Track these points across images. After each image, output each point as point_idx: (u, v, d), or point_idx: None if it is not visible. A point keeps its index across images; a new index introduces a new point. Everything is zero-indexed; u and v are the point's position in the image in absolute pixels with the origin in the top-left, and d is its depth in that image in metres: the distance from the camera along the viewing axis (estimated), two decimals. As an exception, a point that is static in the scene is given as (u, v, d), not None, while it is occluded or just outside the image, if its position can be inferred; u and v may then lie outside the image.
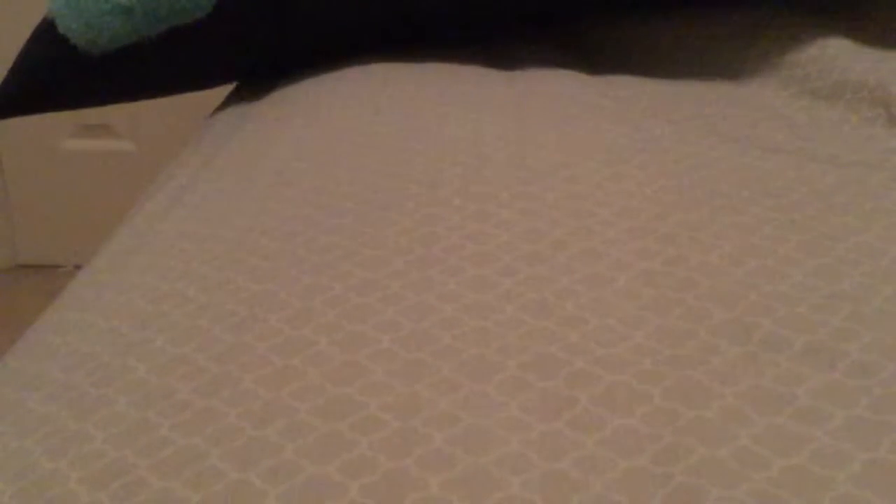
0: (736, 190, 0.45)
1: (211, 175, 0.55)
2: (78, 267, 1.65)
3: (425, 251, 0.41)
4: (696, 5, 0.68)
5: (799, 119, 0.53)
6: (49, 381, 0.37)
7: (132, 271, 0.45)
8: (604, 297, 0.37)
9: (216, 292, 0.40)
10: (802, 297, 0.36)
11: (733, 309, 0.36)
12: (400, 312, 0.37)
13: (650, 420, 0.30)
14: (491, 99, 0.59)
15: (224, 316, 0.38)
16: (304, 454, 0.30)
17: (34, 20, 0.73)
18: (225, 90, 0.78)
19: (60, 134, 1.67)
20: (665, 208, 0.43)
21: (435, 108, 0.58)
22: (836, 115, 0.53)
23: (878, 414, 0.30)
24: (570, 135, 0.52)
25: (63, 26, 0.67)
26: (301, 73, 0.69)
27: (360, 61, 0.67)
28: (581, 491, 0.28)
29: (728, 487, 0.27)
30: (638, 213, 0.43)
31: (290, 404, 0.32)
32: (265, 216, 0.47)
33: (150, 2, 0.65)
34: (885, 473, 0.28)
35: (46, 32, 0.68)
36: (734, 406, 0.31)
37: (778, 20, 0.65)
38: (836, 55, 0.57)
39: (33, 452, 0.33)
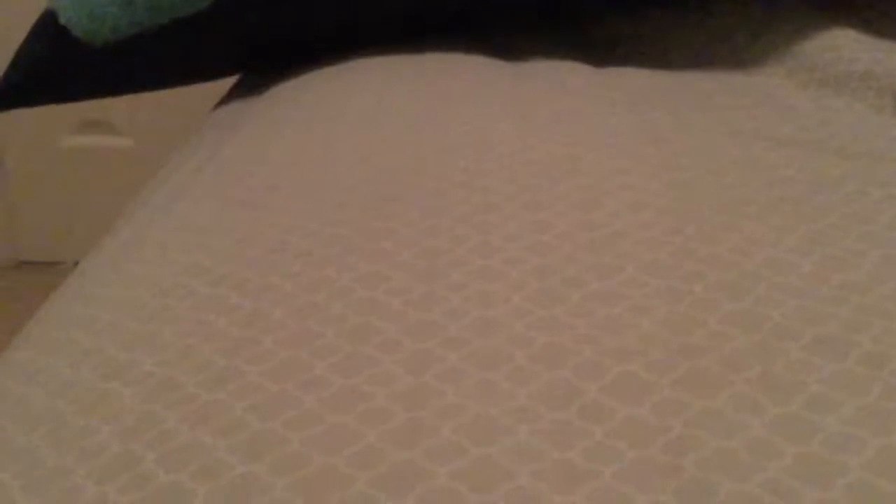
0: (743, 181, 0.44)
1: (213, 169, 0.55)
2: (78, 263, 1.64)
3: (431, 242, 0.41)
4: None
5: (806, 109, 0.53)
6: (54, 376, 0.37)
7: (136, 264, 0.45)
8: (611, 287, 0.37)
9: (221, 285, 0.40)
10: (812, 287, 0.36)
11: (742, 300, 0.35)
12: (406, 303, 0.37)
13: (659, 410, 0.30)
14: (496, 91, 0.58)
15: (229, 309, 0.38)
16: (312, 446, 0.30)
17: (35, 12, 0.73)
18: (226, 86, 0.78)
19: (61, 130, 1.67)
20: (672, 200, 0.43)
21: (439, 99, 0.57)
22: (842, 105, 0.52)
23: (890, 402, 0.30)
24: (576, 126, 0.52)
25: (64, 17, 0.67)
26: (303, 65, 0.68)
27: (364, 53, 0.67)
28: (590, 481, 0.28)
29: (739, 479, 0.27)
30: (645, 204, 0.43)
31: (297, 396, 0.32)
32: (269, 209, 0.47)
33: (152, -6, 0.65)
34: (897, 462, 0.28)
35: (48, 24, 0.68)
36: (744, 395, 0.30)
37: (784, 10, 0.64)
38: (842, 45, 0.56)
39: (39, 447, 0.32)
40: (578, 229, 0.41)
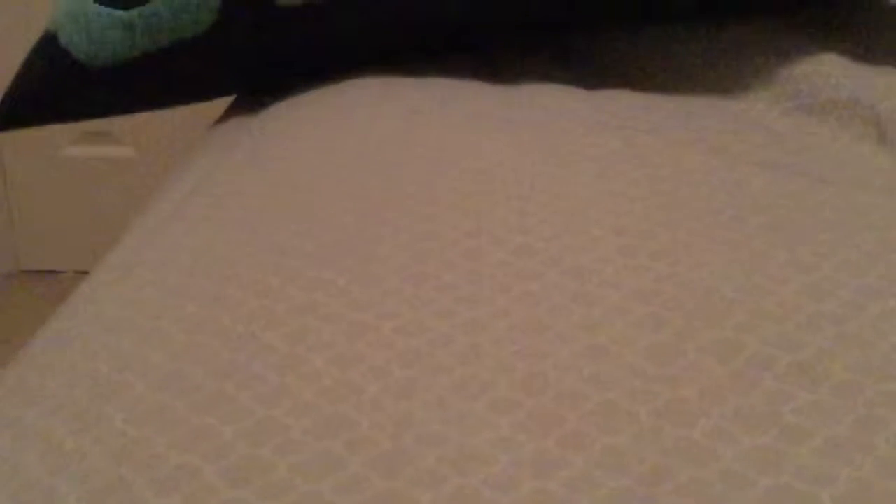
0: (726, 206, 0.45)
1: (210, 189, 0.56)
2: (79, 272, 1.66)
3: (420, 268, 0.42)
4: (689, 20, 0.69)
5: (789, 135, 0.54)
6: (48, 396, 0.37)
7: (131, 286, 0.45)
8: (594, 314, 0.37)
9: (214, 307, 0.41)
10: (789, 315, 0.37)
11: (721, 327, 0.36)
12: (394, 330, 0.37)
13: (637, 440, 0.31)
14: (486, 113, 0.59)
15: (221, 332, 0.39)
16: (297, 472, 0.30)
17: (36, 33, 0.74)
18: (227, 98, 0.79)
19: (62, 140, 1.68)
20: (656, 225, 0.44)
21: (431, 121, 0.58)
22: (826, 132, 0.53)
23: (862, 434, 0.31)
24: (564, 150, 0.53)
25: (65, 40, 0.68)
26: (300, 86, 0.69)
27: (358, 75, 0.68)
28: (569, 510, 0.28)
29: (712, 507, 0.28)
30: (629, 229, 0.44)
31: (285, 422, 0.33)
32: (263, 231, 0.47)
33: (151, 17, 0.66)
34: (868, 493, 0.28)
35: (48, 46, 0.69)
36: (720, 426, 0.31)
37: (770, 36, 0.65)
38: (828, 72, 0.57)
39: (32, 468, 0.33)
40: (565, 254, 0.42)
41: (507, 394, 0.33)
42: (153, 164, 1.67)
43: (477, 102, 0.61)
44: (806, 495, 0.28)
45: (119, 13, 0.66)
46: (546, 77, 0.67)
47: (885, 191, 0.46)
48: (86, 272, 0.51)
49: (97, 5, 0.67)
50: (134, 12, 0.66)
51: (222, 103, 0.77)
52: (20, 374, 0.41)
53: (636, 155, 0.51)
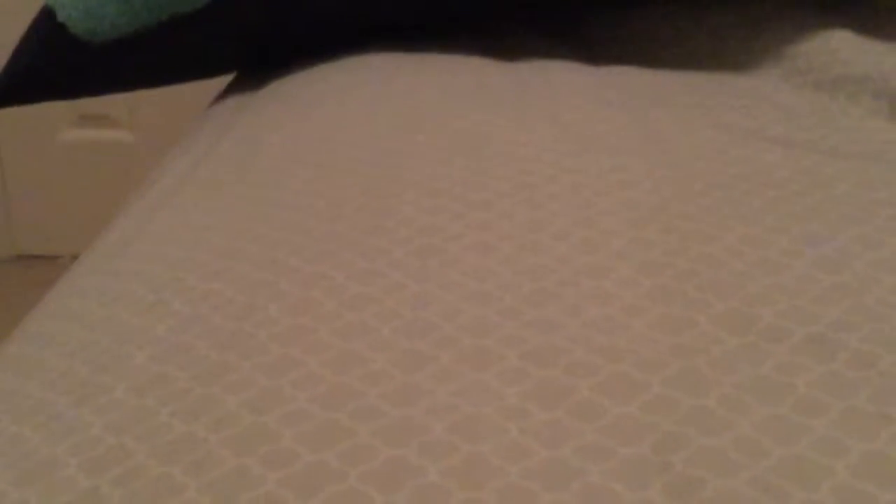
0: (737, 181, 0.45)
1: (210, 165, 0.55)
2: (76, 257, 1.65)
3: (425, 241, 0.41)
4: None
5: (800, 110, 0.53)
6: (47, 368, 0.37)
7: (132, 259, 0.45)
8: (603, 286, 0.37)
9: (216, 280, 0.40)
10: (803, 288, 0.36)
11: (733, 299, 0.36)
12: (400, 302, 0.37)
13: (649, 408, 0.30)
14: (492, 89, 0.58)
15: (224, 304, 0.38)
16: (303, 441, 0.30)
17: (33, 10, 0.73)
18: (225, 81, 0.78)
19: (59, 124, 1.67)
20: (665, 199, 0.43)
21: (435, 98, 0.57)
22: (837, 108, 0.53)
23: (877, 405, 0.30)
24: (572, 125, 0.52)
25: (62, 15, 0.67)
26: (300, 63, 0.68)
27: (360, 51, 0.67)
28: (580, 479, 0.28)
29: (727, 476, 0.27)
30: (638, 203, 0.43)
31: (290, 392, 0.32)
32: (264, 205, 0.47)
33: (150, -10, 0.65)
34: (883, 465, 0.28)
35: (46, 21, 0.68)
36: (734, 396, 0.30)
37: (781, 12, 0.65)
38: (839, 47, 0.56)
39: (31, 439, 0.33)
40: (574, 227, 0.41)
41: (517, 364, 0.33)
42: (151, 147, 1.66)
43: (484, 79, 0.60)
44: (820, 466, 0.28)
45: (118, -12, 0.66)
46: (551, 54, 0.66)
47: (897, 166, 0.45)
48: (84, 255, 0.51)
49: (95, -20, 0.66)
50: (133, -13, 0.65)
51: (222, 86, 0.77)
52: (19, 346, 0.40)
53: (645, 130, 0.51)
